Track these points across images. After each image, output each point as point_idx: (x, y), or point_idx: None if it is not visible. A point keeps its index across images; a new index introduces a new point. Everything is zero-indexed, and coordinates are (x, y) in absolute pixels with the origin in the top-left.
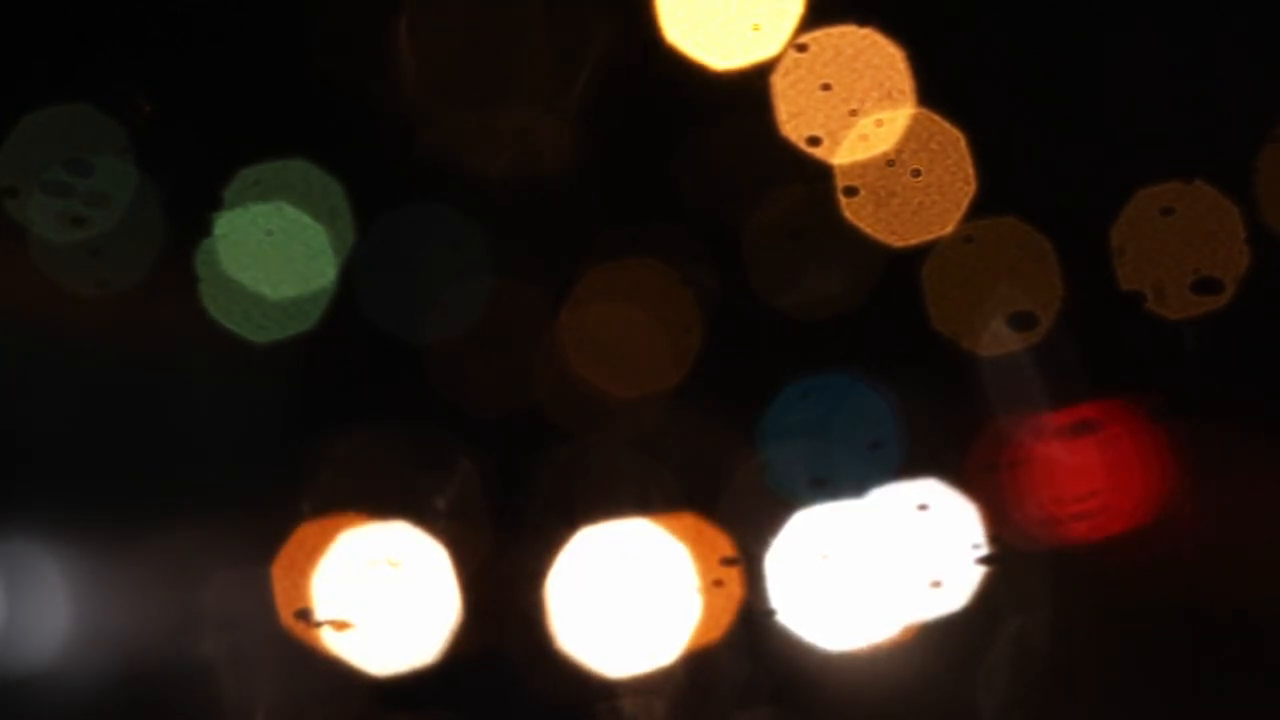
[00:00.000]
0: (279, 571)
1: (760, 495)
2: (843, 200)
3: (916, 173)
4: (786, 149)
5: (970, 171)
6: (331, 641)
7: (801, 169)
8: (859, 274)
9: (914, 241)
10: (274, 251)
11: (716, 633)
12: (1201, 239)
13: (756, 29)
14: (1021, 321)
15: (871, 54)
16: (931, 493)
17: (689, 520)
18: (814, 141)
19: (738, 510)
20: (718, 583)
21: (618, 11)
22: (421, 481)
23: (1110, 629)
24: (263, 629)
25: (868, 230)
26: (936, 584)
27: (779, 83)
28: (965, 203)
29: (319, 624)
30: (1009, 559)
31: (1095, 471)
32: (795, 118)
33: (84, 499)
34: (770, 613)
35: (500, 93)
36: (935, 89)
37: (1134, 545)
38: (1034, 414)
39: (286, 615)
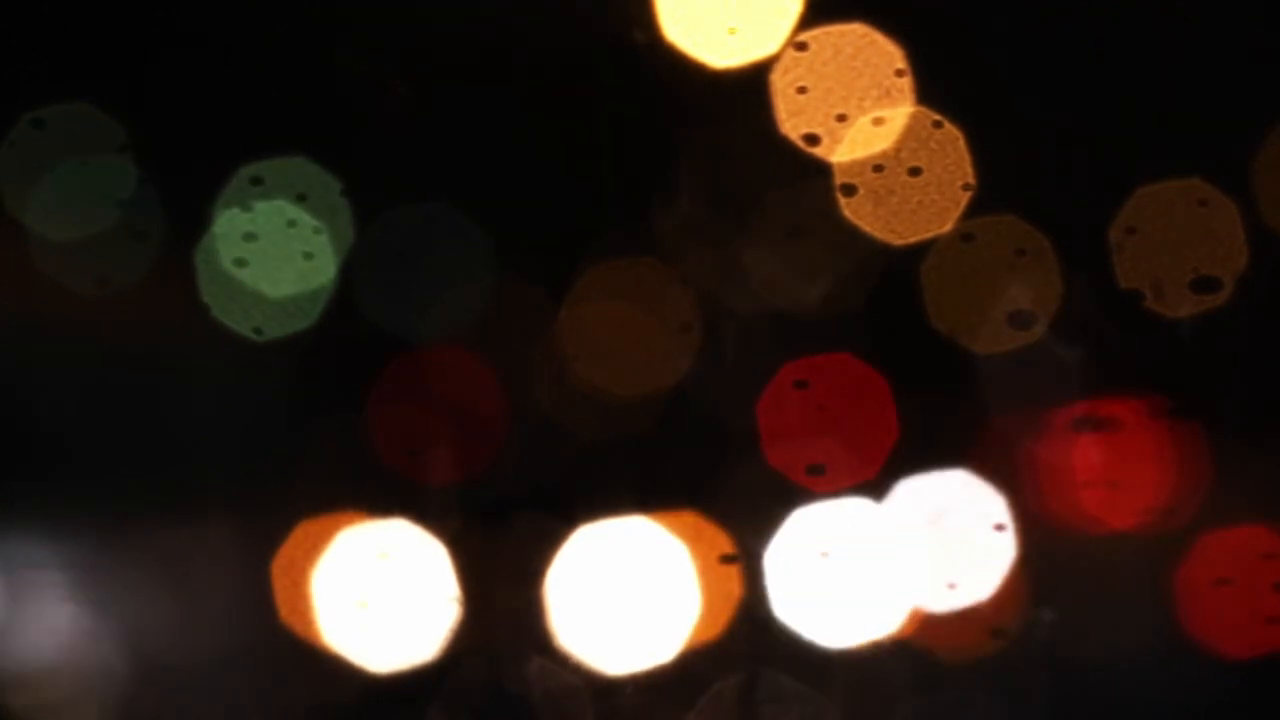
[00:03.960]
0: (278, 569)
1: (759, 493)
2: (841, 199)
3: (915, 171)
4: (785, 147)
5: (969, 170)
6: (331, 639)
7: (800, 167)
8: (858, 273)
9: (913, 240)
10: (274, 250)
11: (715, 630)
12: (1200, 238)
13: (755, 28)
14: (1020, 320)
15: (871, 52)
16: (929, 491)
17: (688, 518)
18: (813, 140)
19: (737, 508)
20: (717, 580)
21: (618, 11)
22: (421, 480)
23: (1107, 628)
24: (262, 627)
25: (866, 229)
26: (934, 582)
27: (778, 81)
28: (964, 201)
29: (318, 622)
30: (1006, 558)
31: (1094, 470)
32: (794, 116)
33: (83, 498)
34: (769, 611)
35: (501, 92)
36: (935, 88)
37: (1132, 543)
38: (1032, 412)
39: (286, 613)
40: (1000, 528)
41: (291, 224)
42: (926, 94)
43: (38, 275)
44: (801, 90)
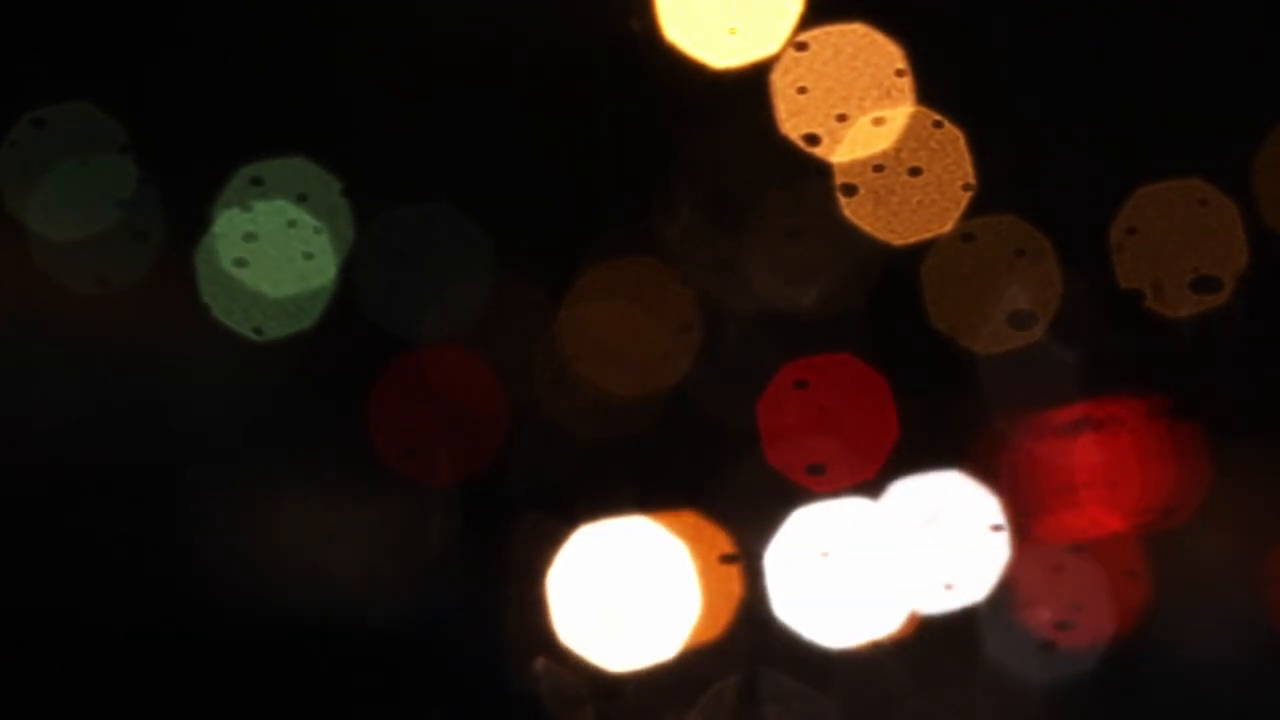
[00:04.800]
0: (280, 568)
1: (760, 493)
2: (841, 199)
3: (915, 171)
4: (785, 147)
5: (969, 170)
6: (331, 638)
7: (800, 167)
8: (858, 273)
9: (913, 240)
10: (274, 250)
11: (715, 630)
12: (1200, 238)
13: (755, 28)
14: (1020, 320)
15: (871, 52)
16: (928, 490)
17: (689, 518)
18: (813, 140)
19: (737, 508)
20: (717, 580)
21: (618, 11)
22: (421, 480)
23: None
24: (262, 626)
25: (866, 229)
26: (934, 582)
27: (778, 81)
28: (964, 201)
29: (318, 620)
30: (1005, 557)
31: (1093, 470)
32: (794, 116)
33: (83, 498)
34: (769, 611)
35: (501, 92)
36: (935, 88)
37: (1132, 544)
38: (1032, 413)
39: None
40: (998, 528)
41: (291, 224)
42: (926, 94)
43: (38, 275)
44: (801, 90)
